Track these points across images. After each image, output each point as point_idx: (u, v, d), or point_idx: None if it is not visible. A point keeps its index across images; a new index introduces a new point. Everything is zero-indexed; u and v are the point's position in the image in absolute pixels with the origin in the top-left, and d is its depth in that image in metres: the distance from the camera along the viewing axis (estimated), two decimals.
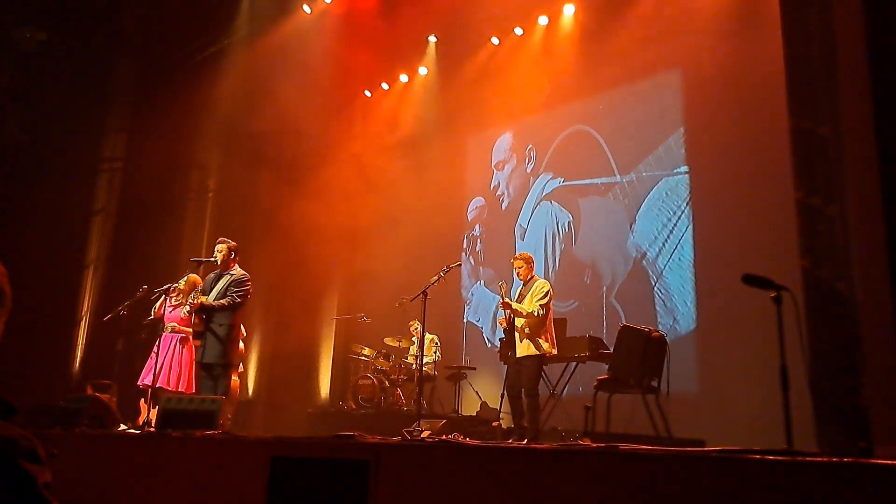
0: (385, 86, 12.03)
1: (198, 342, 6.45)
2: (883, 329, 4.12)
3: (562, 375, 7.24)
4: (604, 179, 9.50)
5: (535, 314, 6.34)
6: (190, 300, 6.62)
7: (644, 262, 8.82)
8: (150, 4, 10.50)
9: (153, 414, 6.14)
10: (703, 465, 2.69)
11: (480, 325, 10.60)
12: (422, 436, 5.39)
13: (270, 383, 10.85)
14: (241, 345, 6.95)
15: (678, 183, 8.71)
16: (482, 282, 10.77)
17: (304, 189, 10.95)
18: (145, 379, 6.75)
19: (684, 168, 8.70)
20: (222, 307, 6.28)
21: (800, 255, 5.24)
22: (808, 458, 2.54)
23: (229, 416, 6.26)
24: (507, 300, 6.51)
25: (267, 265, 10.37)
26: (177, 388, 6.88)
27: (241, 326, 6.76)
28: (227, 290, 6.35)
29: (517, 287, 6.81)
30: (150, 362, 6.80)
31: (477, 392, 9.36)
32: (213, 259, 6.55)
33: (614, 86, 9.63)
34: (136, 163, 10.62)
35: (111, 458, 4.92)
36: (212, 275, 6.63)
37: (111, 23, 10.48)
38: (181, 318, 7.05)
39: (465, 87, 10.75)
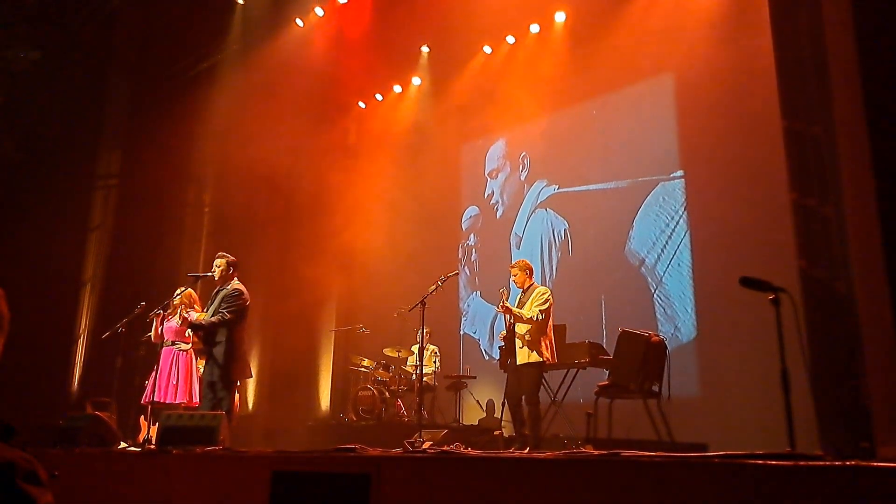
0: (379, 96, 12.06)
1: (202, 358, 6.43)
2: (882, 327, 4.12)
3: (562, 382, 7.23)
4: (599, 185, 9.50)
5: (534, 318, 6.33)
6: (182, 312, 6.61)
7: (643, 268, 8.82)
8: (143, 21, 10.52)
9: (153, 431, 6.11)
10: (706, 470, 2.68)
11: (477, 338, 10.57)
12: (423, 447, 5.37)
13: (270, 397, 10.82)
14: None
15: (674, 187, 8.72)
16: (478, 292, 10.75)
17: (300, 201, 10.96)
18: (148, 396, 6.72)
19: (679, 172, 8.71)
20: (212, 324, 6.18)
21: (797, 256, 5.25)
22: (811, 462, 2.54)
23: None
24: (506, 304, 6.50)
25: (264, 278, 10.36)
26: (174, 400, 6.85)
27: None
28: (219, 305, 6.31)
29: (517, 295, 6.79)
30: (151, 380, 6.78)
31: (478, 401, 9.34)
32: (210, 274, 6.52)
33: (607, 91, 9.65)
34: (132, 179, 10.63)
35: (112, 476, 4.89)
36: (214, 292, 6.59)
37: (104, 40, 10.51)
38: (177, 330, 7.03)
39: (458, 96, 10.78)
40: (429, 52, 11.22)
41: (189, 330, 6.63)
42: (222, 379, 6.10)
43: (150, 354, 7.02)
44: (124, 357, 7.04)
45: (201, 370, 6.70)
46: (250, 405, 10.75)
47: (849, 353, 4.66)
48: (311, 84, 10.25)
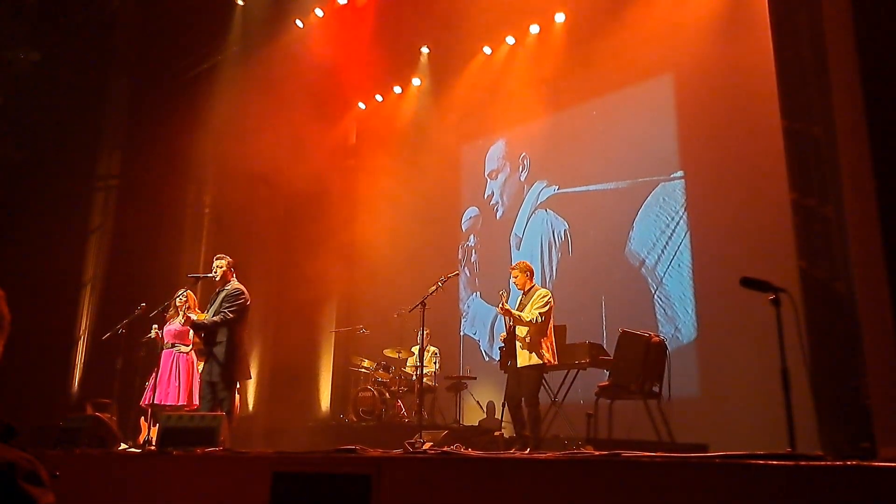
0: (379, 97, 12.06)
1: (202, 360, 6.43)
2: (882, 327, 4.12)
3: (562, 383, 7.22)
4: (599, 186, 9.50)
5: (534, 321, 6.32)
6: (187, 312, 6.62)
7: (643, 269, 8.81)
8: (143, 22, 10.52)
9: (153, 432, 6.12)
10: (706, 471, 2.68)
11: (477, 339, 10.56)
12: (423, 447, 5.37)
13: (270, 398, 10.82)
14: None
15: (675, 188, 8.72)
16: (478, 293, 10.75)
17: (301, 202, 10.96)
18: (148, 398, 6.74)
19: (680, 173, 8.71)
20: (214, 324, 6.18)
21: (797, 257, 5.25)
22: (811, 462, 2.54)
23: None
24: (506, 307, 6.48)
25: (264, 279, 10.36)
26: (177, 401, 6.87)
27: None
28: (220, 305, 6.31)
29: (517, 296, 6.78)
30: (151, 382, 6.79)
31: (478, 402, 9.34)
32: (211, 275, 6.52)
33: (607, 92, 9.65)
34: (132, 180, 10.63)
35: (112, 477, 4.89)
36: (215, 293, 6.59)
37: (104, 41, 10.51)
38: (177, 332, 7.05)
39: (458, 97, 10.78)
40: (428, 53, 11.23)
41: (191, 330, 6.63)
42: (223, 379, 6.09)
43: (151, 356, 7.02)
44: (125, 358, 7.04)
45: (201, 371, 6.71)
46: (251, 406, 10.75)
47: (849, 353, 4.66)
48: (311, 85, 10.26)
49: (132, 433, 7.20)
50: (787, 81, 5.59)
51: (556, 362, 6.58)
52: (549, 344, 6.44)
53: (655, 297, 8.62)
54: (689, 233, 8.48)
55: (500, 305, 6.52)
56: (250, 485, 3.97)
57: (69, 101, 9.96)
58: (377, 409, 8.91)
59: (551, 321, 6.54)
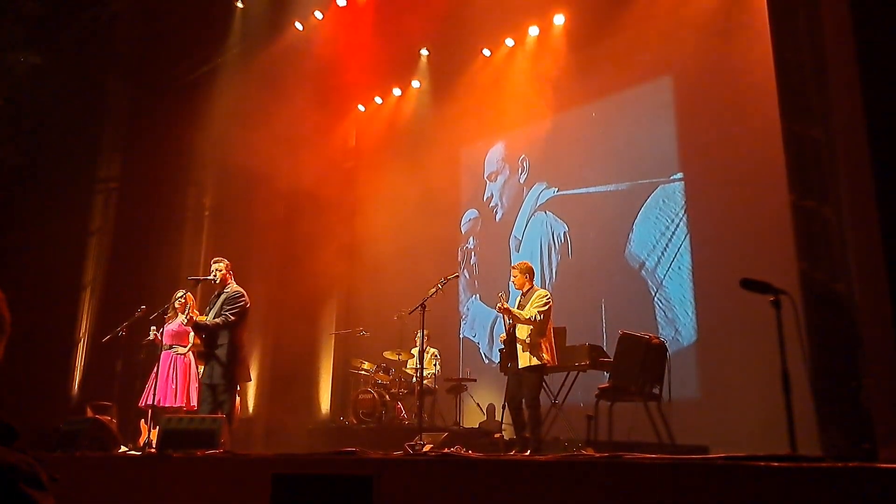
0: (378, 99, 12.07)
1: (202, 362, 6.43)
2: (883, 328, 4.11)
3: (562, 385, 7.22)
4: (599, 188, 9.50)
5: (532, 319, 6.29)
6: (188, 311, 6.63)
7: (643, 271, 8.80)
8: (143, 25, 10.53)
9: (154, 434, 6.11)
10: (707, 472, 2.68)
11: (477, 341, 10.55)
12: (424, 450, 5.36)
13: (270, 400, 10.81)
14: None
15: (674, 190, 8.72)
16: (478, 295, 10.74)
17: (301, 204, 10.96)
18: (147, 400, 6.74)
19: (679, 174, 8.71)
20: (216, 326, 6.20)
21: (797, 258, 5.24)
22: (812, 464, 2.54)
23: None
24: (505, 305, 6.45)
25: (265, 281, 10.35)
26: (173, 402, 6.87)
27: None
28: (221, 308, 6.32)
29: (516, 297, 6.77)
30: (149, 383, 6.79)
31: (478, 404, 9.33)
32: (210, 278, 6.52)
33: (606, 94, 9.66)
34: (132, 183, 10.63)
35: (112, 480, 4.89)
36: (214, 295, 6.60)
37: (104, 44, 10.51)
38: (175, 333, 7.05)
39: (457, 99, 10.78)
40: (428, 55, 11.23)
41: (192, 330, 6.63)
42: (224, 380, 6.10)
43: (151, 358, 7.02)
44: (125, 361, 7.05)
45: (201, 373, 6.71)
46: (251, 408, 10.74)
47: (850, 355, 4.65)
48: (311, 87, 10.26)
49: (132, 436, 7.20)
50: (786, 82, 5.58)
51: (556, 363, 6.58)
52: (548, 345, 6.43)
53: (655, 299, 8.61)
54: (688, 235, 8.47)
55: (499, 305, 6.49)
56: (250, 487, 3.97)
57: (69, 104, 9.96)
58: (377, 411, 8.91)
59: (551, 322, 6.53)
